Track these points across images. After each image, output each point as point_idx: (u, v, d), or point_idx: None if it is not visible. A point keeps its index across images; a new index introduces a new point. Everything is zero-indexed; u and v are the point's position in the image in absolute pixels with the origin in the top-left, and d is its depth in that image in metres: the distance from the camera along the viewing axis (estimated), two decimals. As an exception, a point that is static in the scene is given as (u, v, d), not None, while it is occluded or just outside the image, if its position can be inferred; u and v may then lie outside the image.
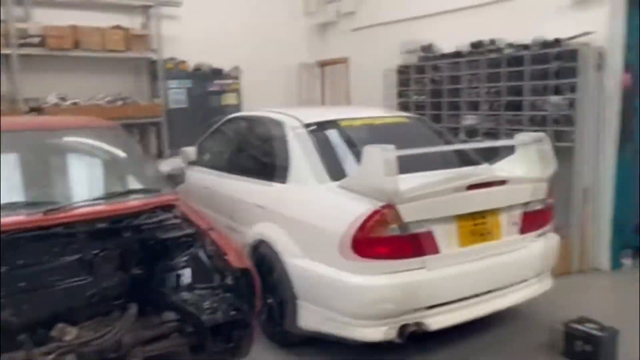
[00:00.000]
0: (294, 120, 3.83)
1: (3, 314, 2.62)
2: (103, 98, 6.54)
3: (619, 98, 4.72)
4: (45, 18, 6.27)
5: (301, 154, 3.56)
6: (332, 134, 3.69)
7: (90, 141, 3.56)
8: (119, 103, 6.61)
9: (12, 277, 2.69)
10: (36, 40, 5.99)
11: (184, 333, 2.79)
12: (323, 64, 8.52)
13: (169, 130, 6.99)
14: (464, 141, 5.34)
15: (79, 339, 2.60)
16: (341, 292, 2.95)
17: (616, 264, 4.97)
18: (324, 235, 3.07)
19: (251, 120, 4.46)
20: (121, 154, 3.61)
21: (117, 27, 6.61)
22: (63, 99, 6.23)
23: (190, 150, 4.90)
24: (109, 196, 3.18)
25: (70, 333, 2.65)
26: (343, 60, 7.96)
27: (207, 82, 7.32)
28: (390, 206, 2.86)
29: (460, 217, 3.10)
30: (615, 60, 4.69)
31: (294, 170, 3.54)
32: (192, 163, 4.81)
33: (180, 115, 7.06)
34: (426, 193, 2.91)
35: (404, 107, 6.33)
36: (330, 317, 3.05)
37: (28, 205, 2.92)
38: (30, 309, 2.71)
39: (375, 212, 2.85)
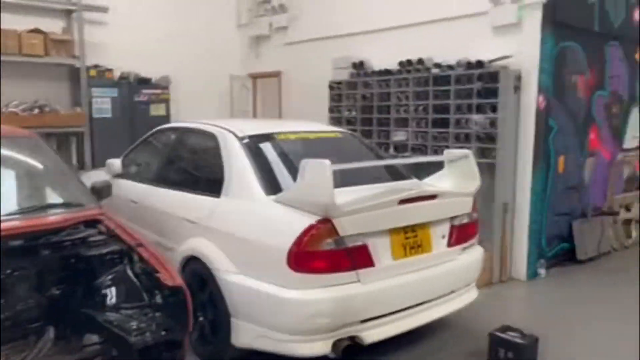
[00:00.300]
0: (228, 133, 3.75)
1: None
2: (18, 105, 6.10)
3: (534, 118, 5.08)
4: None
5: (236, 167, 3.49)
6: (268, 148, 3.65)
7: (4, 151, 3.29)
8: (36, 111, 6.20)
9: None
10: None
11: (107, 357, 2.62)
12: (255, 77, 8.48)
13: (91, 141, 6.64)
14: (394, 156, 5.50)
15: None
16: (276, 308, 2.91)
17: (532, 274, 5.29)
18: (260, 250, 3.02)
19: (183, 132, 4.32)
20: (39, 165, 3.38)
21: (36, 30, 6.23)
22: (-29, 105, 5.76)
23: (116, 162, 4.68)
24: (24, 211, 2.96)
25: (-21, 362, 2.43)
26: (276, 74, 7.97)
27: (135, 92, 7.05)
28: (327, 220, 2.87)
29: (393, 231, 3.16)
30: (531, 83, 5.04)
31: (228, 184, 3.46)
32: (118, 176, 4.60)
33: (104, 126, 6.73)
34: (362, 207, 2.95)
35: (335, 122, 6.43)
36: (264, 334, 3.00)
37: None
38: None
39: (312, 227, 2.85)
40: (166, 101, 7.33)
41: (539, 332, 3.53)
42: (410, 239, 3.25)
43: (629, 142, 6.63)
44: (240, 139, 3.65)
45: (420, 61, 5.62)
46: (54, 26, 6.57)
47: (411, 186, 3.56)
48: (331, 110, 6.62)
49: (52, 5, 6.52)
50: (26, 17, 6.36)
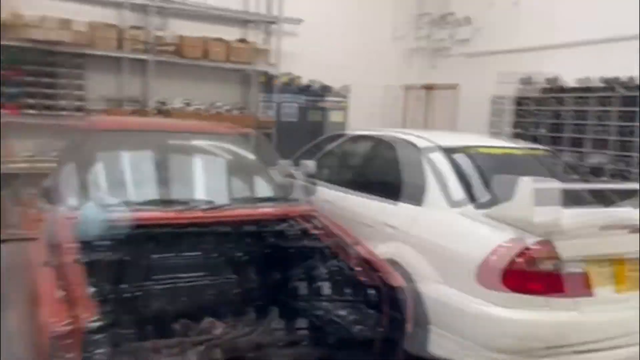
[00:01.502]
0: (428, 143, 3.80)
1: (159, 303, 2.78)
2: (222, 106, 6.86)
3: None
4: (176, 28, 6.70)
5: (439, 177, 3.51)
6: (469, 160, 3.61)
7: (236, 147, 3.74)
8: (236, 112, 6.91)
9: (170, 268, 2.86)
10: (171, 48, 6.40)
11: (311, 342, 2.81)
12: (429, 88, 8.48)
13: (278, 142, 7.20)
14: (604, 181, 5.09)
15: (227, 334, 2.69)
16: (487, 324, 2.85)
17: None
18: (469, 264, 2.98)
19: (378, 140, 4.45)
20: (262, 161, 3.76)
21: (242, 40, 6.95)
22: (188, 104, 6.60)
23: (310, 164, 4.98)
24: (255, 201, 3.32)
25: (219, 328, 2.75)
26: (452, 86, 7.88)
27: (317, 99, 7.50)
28: (547, 241, 2.75)
29: (616, 261, 2.92)
30: None
31: (430, 194, 3.50)
32: (311, 176, 4.90)
33: (289, 129, 7.26)
34: (587, 232, 2.77)
35: (519, 138, 6.14)
36: (465, 347, 2.96)
37: (182, 203, 3.04)
38: (182, 300, 2.85)
39: (532, 246, 2.75)
40: (345, 109, 7.68)
41: None
42: (633, 272, 2.97)
43: None
44: (442, 149, 3.67)
45: (630, 79, 5.13)
46: (251, 36, 7.28)
47: (632, 215, 3.25)
48: (515, 125, 6.35)
49: (257, 18, 7.23)
50: (233, 27, 7.15)
